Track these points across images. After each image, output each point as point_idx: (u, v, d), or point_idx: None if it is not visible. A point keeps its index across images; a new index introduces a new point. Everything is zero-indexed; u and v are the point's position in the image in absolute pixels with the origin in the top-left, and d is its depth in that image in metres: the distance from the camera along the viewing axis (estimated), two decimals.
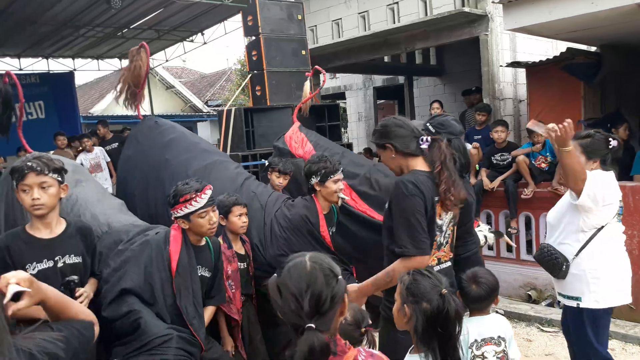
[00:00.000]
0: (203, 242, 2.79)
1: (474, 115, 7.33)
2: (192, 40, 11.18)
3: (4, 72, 9.98)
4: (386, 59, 10.15)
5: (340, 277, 1.48)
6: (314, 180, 3.25)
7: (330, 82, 12.29)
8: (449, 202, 2.37)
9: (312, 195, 3.32)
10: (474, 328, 2.34)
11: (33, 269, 2.29)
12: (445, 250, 2.50)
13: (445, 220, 2.45)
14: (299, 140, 4.38)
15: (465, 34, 7.45)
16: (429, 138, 2.43)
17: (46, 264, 2.34)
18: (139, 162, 3.87)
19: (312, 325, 1.38)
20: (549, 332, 4.97)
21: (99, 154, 8.42)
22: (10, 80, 3.18)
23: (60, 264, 2.38)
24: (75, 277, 2.43)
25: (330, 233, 3.32)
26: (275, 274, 1.49)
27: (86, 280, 2.52)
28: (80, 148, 8.70)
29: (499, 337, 2.35)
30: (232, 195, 3.28)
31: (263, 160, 6.64)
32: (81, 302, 2.36)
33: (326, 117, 7.09)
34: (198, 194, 2.65)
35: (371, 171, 3.94)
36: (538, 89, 7.36)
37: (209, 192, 2.69)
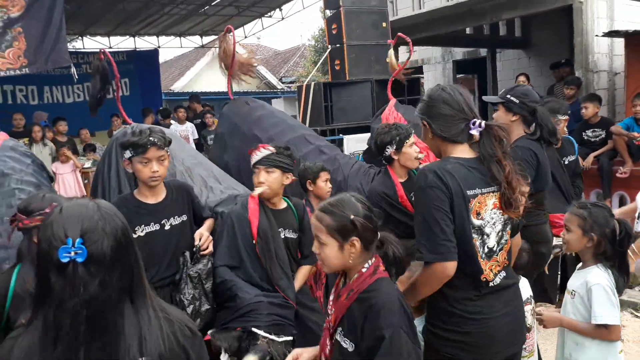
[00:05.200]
0: (283, 205, 2.85)
1: (563, 89, 6.94)
2: (270, 16, 11.29)
3: (97, 50, 10.53)
4: (468, 30, 9.78)
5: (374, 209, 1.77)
6: (389, 150, 3.22)
7: (407, 55, 12.04)
8: (510, 199, 1.93)
9: (387, 166, 3.30)
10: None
11: (141, 231, 2.49)
12: (498, 260, 1.99)
13: (487, 220, 1.95)
14: (397, 119, 4.36)
15: (559, 1, 7.01)
16: (482, 123, 1.95)
17: (153, 227, 2.54)
18: (231, 138, 4.11)
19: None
20: None
21: (189, 128, 8.77)
22: (105, 58, 3.35)
23: (167, 227, 2.56)
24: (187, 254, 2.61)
25: (412, 200, 3.30)
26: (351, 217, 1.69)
27: (192, 234, 2.69)
28: (171, 121, 9.05)
29: (529, 296, 2.66)
30: (319, 162, 3.34)
31: (341, 135, 6.66)
32: (203, 243, 2.61)
33: (406, 92, 6.95)
34: (256, 149, 2.77)
35: None
36: (638, 60, 6.83)
37: (264, 151, 2.74)
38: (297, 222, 2.87)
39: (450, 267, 1.84)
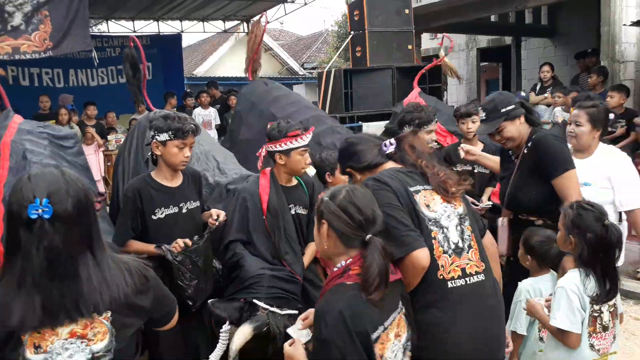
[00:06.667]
0: (294, 182, 2.91)
1: (588, 79, 6.82)
2: (293, 1, 11.26)
3: (121, 35, 10.68)
4: (493, 18, 9.64)
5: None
6: (406, 130, 3.28)
7: (430, 42, 11.91)
8: (445, 190, 1.99)
9: None
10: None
11: (161, 214, 2.58)
12: (471, 258, 1.96)
13: (441, 212, 1.97)
14: None
15: None
16: (392, 141, 2.10)
17: (172, 210, 2.62)
18: (249, 115, 4.31)
19: (371, 235, 1.64)
20: None
21: (212, 113, 8.90)
22: (134, 45, 3.42)
23: (184, 210, 2.65)
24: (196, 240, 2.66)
25: None
26: (325, 197, 1.71)
27: (200, 220, 2.77)
28: (194, 105, 9.15)
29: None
30: (335, 152, 3.36)
31: (360, 122, 6.66)
32: (221, 218, 2.68)
33: (427, 80, 6.90)
34: (305, 132, 2.79)
35: None
36: None
37: (311, 135, 2.84)
38: (308, 198, 2.93)
39: (423, 254, 1.81)
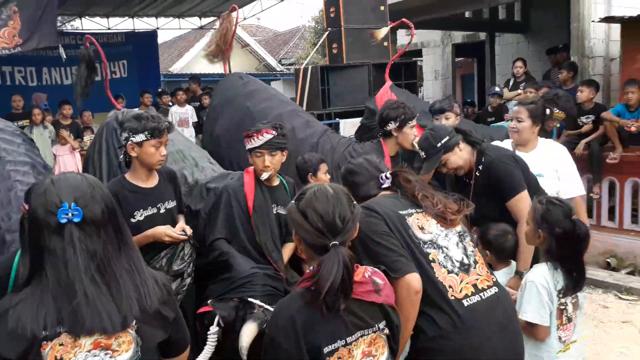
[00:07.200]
0: (277, 182, 2.95)
1: (559, 74, 6.97)
2: None
3: (95, 32, 10.47)
4: (467, 14, 9.76)
5: (355, 202, 1.65)
6: (391, 126, 3.41)
7: (406, 38, 11.99)
8: (444, 219, 2.00)
9: (381, 139, 3.49)
10: None
11: (140, 216, 2.54)
12: (480, 273, 1.98)
13: (437, 232, 1.99)
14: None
15: None
16: (387, 174, 2.14)
17: (151, 211, 2.59)
18: (225, 109, 4.29)
19: (337, 242, 1.54)
20: (628, 300, 4.82)
21: (189, 111, 8.80)
22: (91, 44, 3.38)
23: (162, 210, 2.63)
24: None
25: None
26: (293, 203, 1.65)
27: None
28: (171, 103, 9.05)
29: None
30: (316, 154, 3.42)
31: (338, 119, 6.71)
32: (188, 233, 2.64)
33: (403, 76, 6.99)
34: (257, 133, 2.78)
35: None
36: (634, 46, 6.84)
37: (266, 136, 2.78)
38: (290, 198, 2.97)
39: (414, 277, 1.81)
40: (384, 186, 2.13)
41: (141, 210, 2.55)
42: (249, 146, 2.81)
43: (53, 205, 1.27)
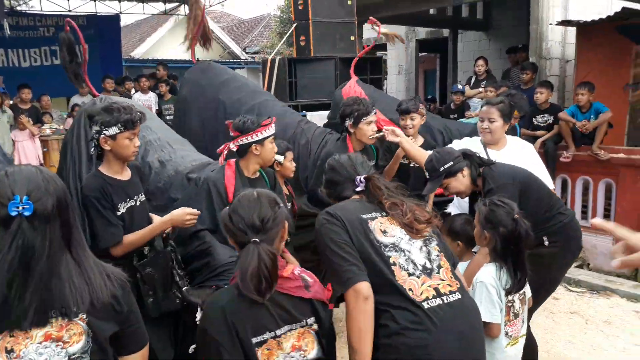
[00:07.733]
0: (257, 175, 3.00)
1: (519, 73, 7.23)
2: None
3: (55, 14, 10.10)
4: (431, 11, 9.95)
5: (281, 205, 1.79)
6: (347, 122, 3.45)
7: (371, 33, 12.12)
8: (411, 229, 2.01)
9: (347, 135, 3.53)
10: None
11: (123, 209, 2.51)
12: (443, 278, 1.97)
13: (400, 236, 2.00)
14: (356, 94, 4.52)
15: None
16: (362, 179, 2.15)
17: (130, 203, 2.56)
18: (195, 101, 4.21)
19: (257, 239, 1.66)
20: (576, 292, 5.10)
21: (152, 98, 8.63)
22: (71, 28, 3.35)
23: (138, 203, 2.61)
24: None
25: None
26: (226, 208, 1.79)
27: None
28: (134, 90, 8.91)
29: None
30: (283, 142, 3.47)
31: (304, 112, 6.77)
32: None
33: (368, 70, 7.10)
34: (271, 121, 2.93)
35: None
36: (588, 49, 7.17)
37: (274, 125, 2.97)
38: (269, 189, 3.03)
39: (363, 285, 1.83)
40: (357, 189, 2.15)
41: (123, 202, 2.52)
42: (264, 134, 2.84)
43: (5, 197, 1.28)
